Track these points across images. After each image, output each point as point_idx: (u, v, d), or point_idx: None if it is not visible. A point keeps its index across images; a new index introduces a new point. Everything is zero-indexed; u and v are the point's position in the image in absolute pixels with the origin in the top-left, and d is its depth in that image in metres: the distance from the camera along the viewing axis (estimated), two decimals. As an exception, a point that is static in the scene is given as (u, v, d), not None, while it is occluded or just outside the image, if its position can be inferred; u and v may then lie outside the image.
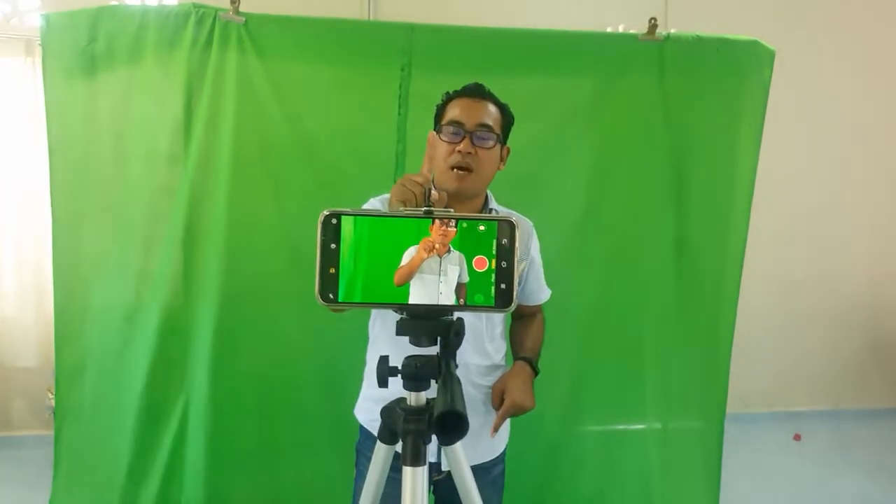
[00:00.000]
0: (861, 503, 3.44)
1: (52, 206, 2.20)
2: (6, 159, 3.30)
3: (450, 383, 0.87)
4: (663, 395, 2.39)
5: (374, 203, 1.61)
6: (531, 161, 2.19)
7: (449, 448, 1.07)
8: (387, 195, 1.63)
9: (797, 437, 4.29)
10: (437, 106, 1.63)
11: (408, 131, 2.24)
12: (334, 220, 0.91)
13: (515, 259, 0.92)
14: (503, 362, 1.66)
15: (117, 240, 2.24)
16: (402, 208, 1.26)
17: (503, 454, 1.66)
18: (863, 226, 4.67)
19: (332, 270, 0.91)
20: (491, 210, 1.65)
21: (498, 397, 1.51)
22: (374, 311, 1.66)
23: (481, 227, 0.92)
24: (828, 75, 4.38)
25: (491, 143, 1.55)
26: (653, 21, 2.19)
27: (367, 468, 1.58)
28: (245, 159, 2.21)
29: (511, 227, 0.92)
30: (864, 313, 4.73)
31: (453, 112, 1.56)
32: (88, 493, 2.26)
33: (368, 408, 1.63)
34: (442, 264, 0.91)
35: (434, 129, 1.62)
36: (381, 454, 1.10)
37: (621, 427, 2.45)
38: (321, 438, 2.28)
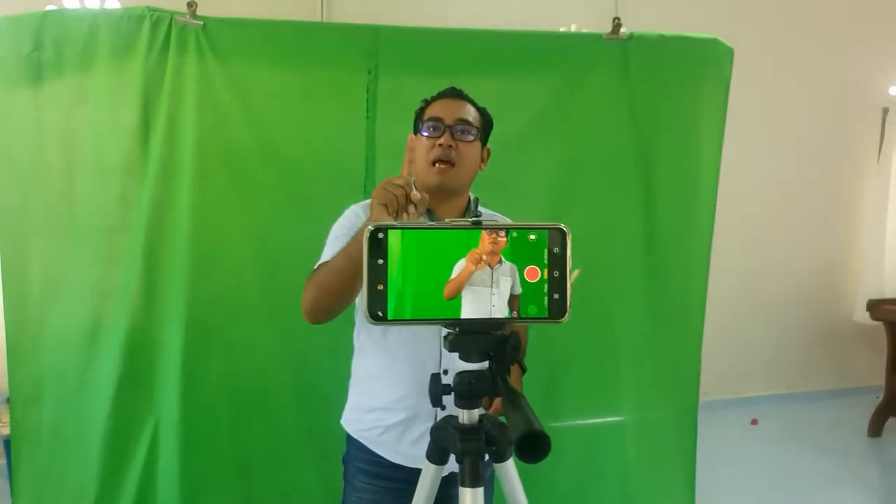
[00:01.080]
0: (817, 481, 3.58)
1: (-1, 222, 2.08)
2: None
3: (518, 400, 0.82)
4: (638, 389, 2.42)
5: (356, 210, 1.57)
6: (499, 162, 2.15)
7: (502, 468, 1.05)
8: (367, 201, 1.60)
9: (754, 422, 4.44)
10: (416, 111, 1.62)
11: (377, 134, 2.20)
12: (381, 235, 0.87)
13: (568, 267, 0.89)
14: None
15: (73, 256, 2.12)
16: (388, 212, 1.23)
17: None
18: (803, 219, 4.89)
19: (381, 287, 0.86)
20: (477, 212, 1.63)
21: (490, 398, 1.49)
22: (358, 321, 1.63)
23: (532, 236, 0.89)
24: (773, 76, 4.55)
25: (471, 137, 1.54)
26: (616, 21, 2.21)
27: (357, 478, 1.58)
28: (208, 168, 2.13)
29: (562, 234, 0.90)
30: (808, 300, 4.95)
31: (432, 111, 1.56)
32: (53, 524, 2.14)
33: (357, 418, 1.61)
34: (494, 276, 0.88)
35: (413, 132, 1.60)
36: (430, 475, 1.07)
37: (598, 421, 2.46)
38: (300, 452, 2.22)
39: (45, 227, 2.13)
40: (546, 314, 0.89)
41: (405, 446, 1.53)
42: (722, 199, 2.38)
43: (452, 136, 1.51)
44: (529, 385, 2.20)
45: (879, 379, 4.39)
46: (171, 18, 2.07)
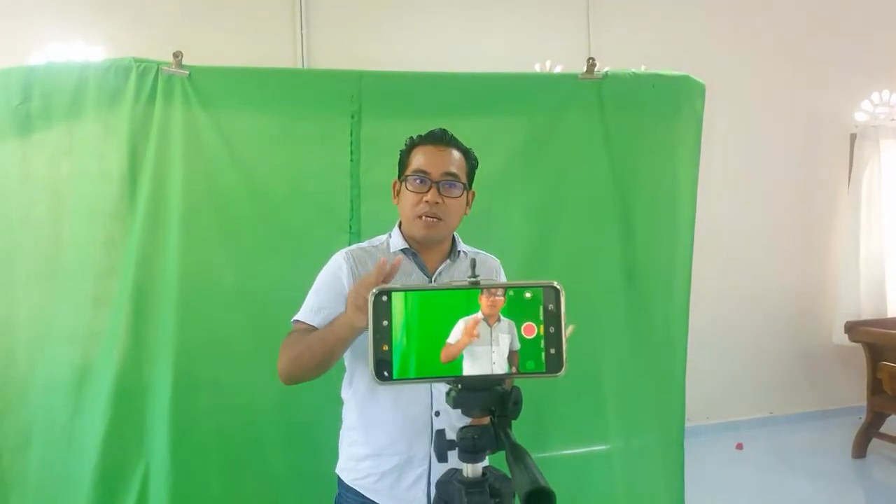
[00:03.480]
0: (803, 505, 3.61)
1: (-14, 271, 2.09)
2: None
3: (523, 457, 0.85)
4: (624, 417, 2.45)
5: (339, 260, 1.60)
6: (481, 199, 2.20)
7: None
8: (355, 247, 1.64)
9: (739, 447, 4.47)
10: (400, 152, 1.64)
11: (361, 176, 2.25)
12: (384, 298, 0.90)
13: (563, 324, 0.92)
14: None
15: (63, 300, 2.14)
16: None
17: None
18: (779, 245, 4.99)
19: (385, 347, 0.89)
20: (459, 251, 1.67)
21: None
22: (348, 373, 1.66)
23: (527, 294, 0.92)
24: (739, 107, 4.68)
25: (457, 192, 1.57)
26: (591, 60, 2.29)
27: (348, 520, 1.59)
28: (195, 213, 2.17)
29: (556, 292, 0.93)
30: (787, 324, 5.03)
31: (418, 160, 1.57)
32: (41, 574, 2.11)
33: (352, 466, 1.62)
34: (493, 333, 0.91)
35: (398, 177, 1.64)
36: None
37: (586, 450, 2.49)
38: (290, 495, 2.22)
39: (33, 272, 2.15)
40: (544, 369, 0.92)
41: (401, 491, 1.55)
42: (699, 227, 2.45)
43: (439, 191, 1.54)
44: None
45: (861, 400, 4.45)
46: (158, 68, 2.13)
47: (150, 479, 2.11)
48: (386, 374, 0.90)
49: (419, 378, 0.91)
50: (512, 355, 0.92)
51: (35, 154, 2.14)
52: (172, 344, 2.13)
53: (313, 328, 1.53)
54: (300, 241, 2.21)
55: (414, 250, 1.61)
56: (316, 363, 1.43)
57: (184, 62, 2.15)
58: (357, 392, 1.62)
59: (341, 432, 1.68)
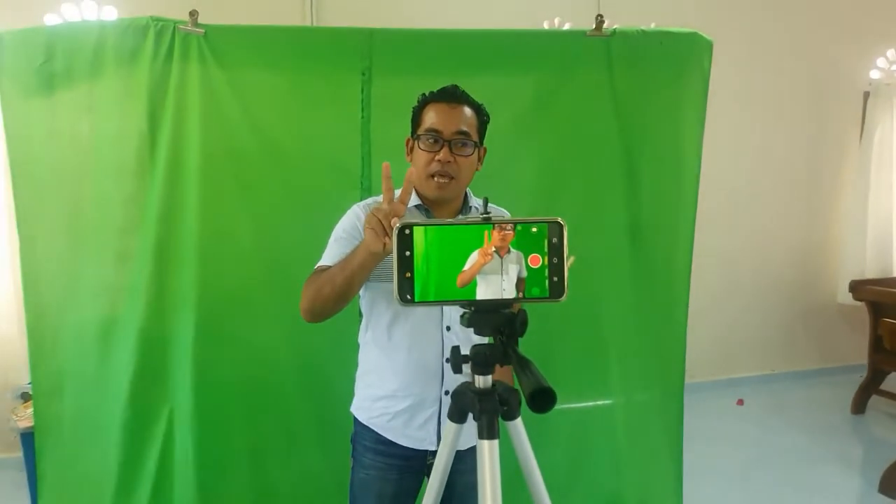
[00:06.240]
0: (802, 458, 3.72)
1: (18, 226, 2.19)
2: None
3: (527, 365, 0.98)
4: (626, 373, 2.53)
5: (357, 211, 1.66)
6: (490, 155, 2.25)
7: (513, 425, 1.20)
8: (370, 199, 1.71)
9: (740, 403, 4.57)
10: (413, 109, 1.67)
11: (371, 134, 2.30)
12: (407, 231, 1.03)
13: (565, 255, 1.05)
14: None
15: (88, 255, 2.24)
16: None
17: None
18: (786, 202, 5.01)
19: (408, 275, 1.03)
20: (471, 207, 1.72)
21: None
22: (365, 320, 1.73)
23: (534, 229, 1.05)
24: (755, 61, 4.66)
25: (469, 150, 1.61)
26: (599, 17, 2.31)
27: (365, 456, 1.70)
28: (213, 169, 2.23)
29: (560, 227, 1.06)
30: (791, 282, 5.08)
31: (431, 119, 1.59)
32: (77, 510, 2.25)
33: (367, 406, 1.71)
34: (503, 264, 1.04)
35: (411, 134, 1.68)
36: (451, 432, 1.23)
37: (589, 404, 2.58)
38: (309, 439, 2.34)
39: (59, 228, 2.24)
40: (547, 294, 1.06)
41: (412, 430, 1.65)
42: (705, 181, 2.48)
43: (451, 150, 1.57)
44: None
45: (862, 358, 4.53)
46: (175, 27, 2.18)
47: (175, 422, 2.24)
48: (409, 297, 1.03)
49: (438, 301, 1.04)
50: (520, 282, 1.05)
51: (59, 112, 2.21)
52: (193, 296, 2.22)
53: None
54: (313, 197, 2.28)
55: (426, 207, 1.67)
56: (336, 293, 1.47)
57: (199, 21, 2.20)
58: (373, 338, 1.70)
59: (357, 375, 1.76)
